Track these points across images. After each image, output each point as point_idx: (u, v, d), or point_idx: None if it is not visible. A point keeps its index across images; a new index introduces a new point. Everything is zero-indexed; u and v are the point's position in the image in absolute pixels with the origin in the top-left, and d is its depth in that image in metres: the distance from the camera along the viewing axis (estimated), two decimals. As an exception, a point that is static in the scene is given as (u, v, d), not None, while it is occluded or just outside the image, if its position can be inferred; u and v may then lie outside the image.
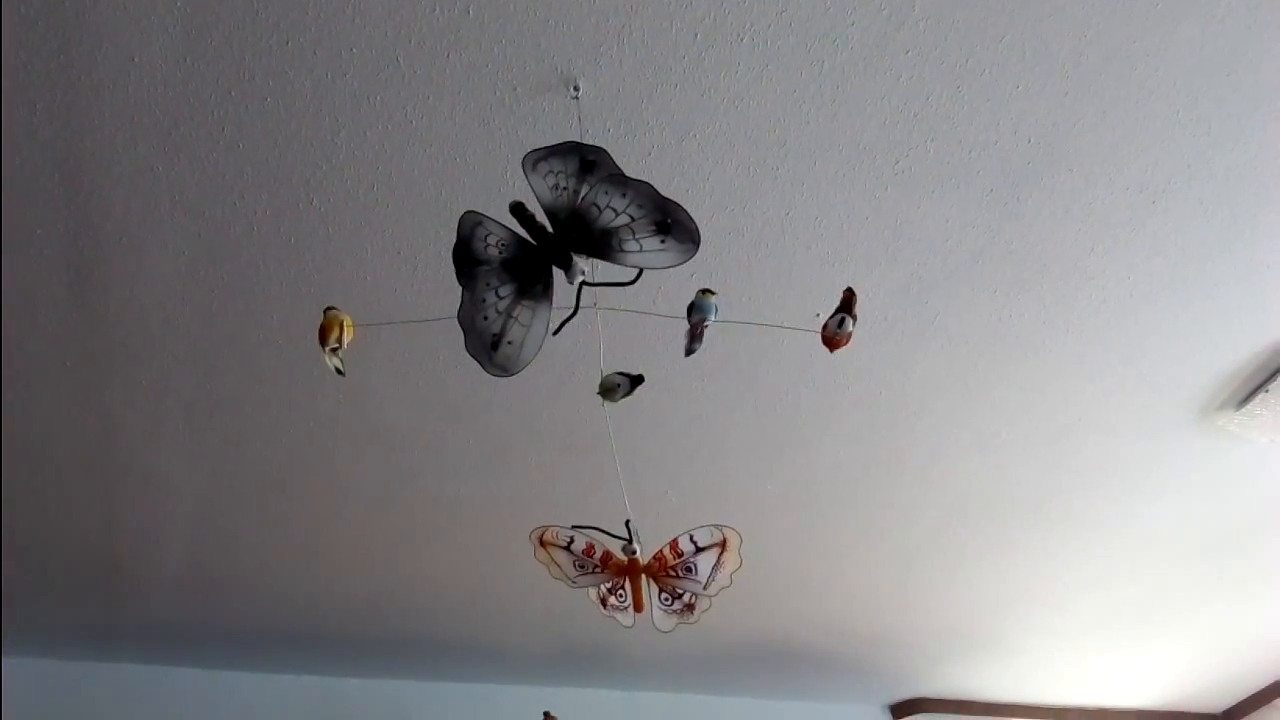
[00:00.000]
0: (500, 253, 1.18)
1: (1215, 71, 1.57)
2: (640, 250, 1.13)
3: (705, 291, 1.26)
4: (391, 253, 1.75)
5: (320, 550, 2.50)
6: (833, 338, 1.28)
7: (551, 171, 1.14)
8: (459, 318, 1.20)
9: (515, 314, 1.18)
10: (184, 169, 1.59)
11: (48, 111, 1.50)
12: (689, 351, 1.30)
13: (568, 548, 1.56)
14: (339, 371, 1.24)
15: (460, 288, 1.21)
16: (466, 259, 1.19)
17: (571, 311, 1.20)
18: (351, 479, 2.27)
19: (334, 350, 1.23)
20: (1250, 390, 2.22)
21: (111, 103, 1.50)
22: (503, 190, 1.65)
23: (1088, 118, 1.62)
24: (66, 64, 1.44)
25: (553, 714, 2.83)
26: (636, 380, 1.31)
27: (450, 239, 1.71)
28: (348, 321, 1.25)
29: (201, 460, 2.18)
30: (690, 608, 1.61)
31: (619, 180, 1.12)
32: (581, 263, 1.16)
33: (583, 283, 1.17)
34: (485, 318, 1.18)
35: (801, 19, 1.44)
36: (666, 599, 1.60)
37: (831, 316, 1.28)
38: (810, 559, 2.70)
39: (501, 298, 1.18)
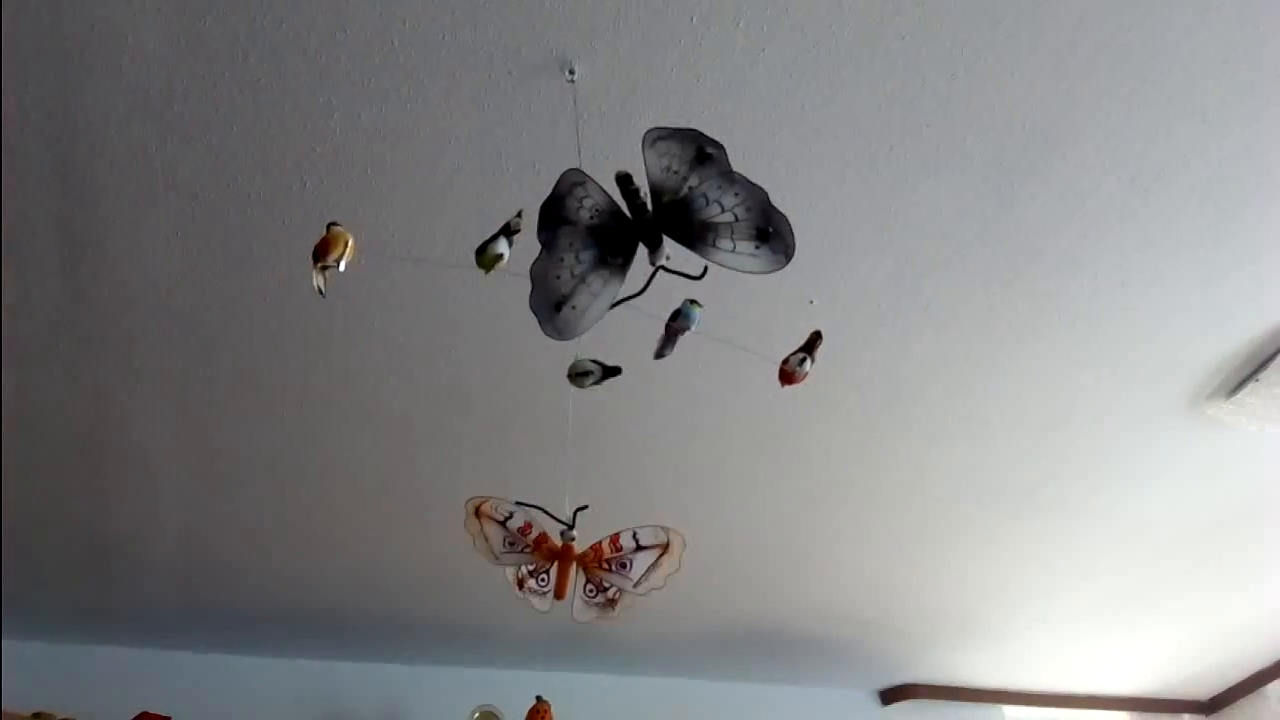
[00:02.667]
0: (591, 217, 1.16)
1: (1211, 60, 1.57)
2: (732, 251, 1.14)
3: (693, 302, 1.28)
4: (386, 235, 1.75)
5: (315, 534, 2.50)
6: (792, 373, 1.33)
7: (668, 153, 1.13)
8: (531, 271, 1.18)
9: (588, 280, 1.17)
10: (177, 150, 1.59)
11: (39, 91, 1.49)
12: (659, 355, 1.32)
13: (503, 523, 1.55)
14: (321, 292, 1.19)
15: (539, 242, 1.19)
16: (554, 215, 1.17)
17: (639, 290, 1.19)
18: (347, 463, 2.27)
19: (325, 268, 1.18)
20: (1241, 379, 2.22)
21: (104, 83, 1.49)
22: (497, 174, 1.65)
23: (1083, 105, 1.62)
24: (58, 43, 1.43)
25: (545, 698, 2.84)
26: (611, 371, 1.31)
27: (444, 223, 1.73)
28: (353, 242, 1.20)
29: (194, 443, 2.18)
30: (613, 603, 1.60)
31: (734, 179, 1.12)
32: (667, 247, 1.15)
33: (660, 267, 1.16)
34: (558, 277, 1.16)
35: (798, 3, 1.44)
36: (591, 590, 1.59)
37: (794, 354, 1.33)
38: (802, 544, 2.71)
39: (580, 261, 1.16)
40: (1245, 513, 2.73)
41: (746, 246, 1.14)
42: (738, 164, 1.64)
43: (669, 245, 1.16)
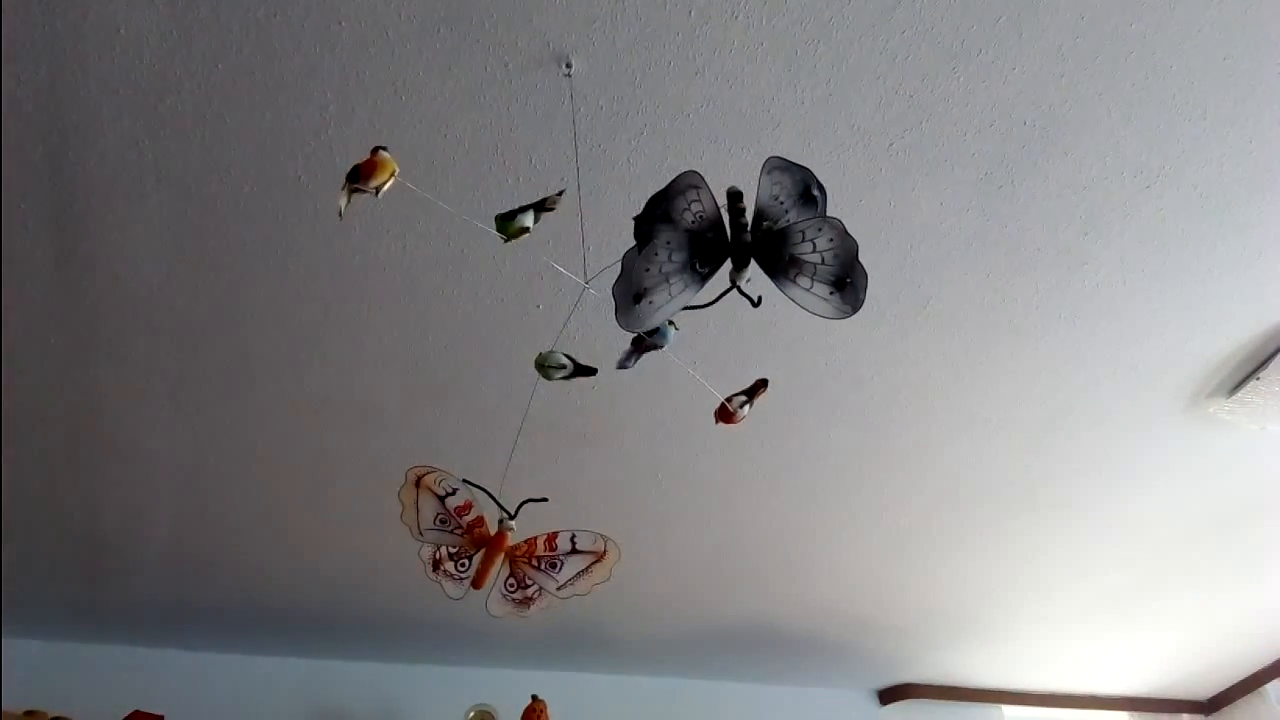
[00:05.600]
0: (693, 222, 1.18)
1: (1212, 56, 1.56)
2: (808, 290, 1.17)
3: (670, 322, 1.29)
4: (380, 230, 1.74)
5: (307, 531, 2.49)
6: (732, 414, 1.38)
7: (779, 183, 1.17)
8: (623, 258, 1.20)
9: (671, 281, 1.19)
10: (170, 143, 1.57)
11: (31, 84, 1.48)
12: (621, 366, 1.34)
13: (443, 499, 1.53)
14: (340, 214, 1.17)
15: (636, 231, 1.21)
16: (660, 211, 1.19)
17: (708, 302, 1.22)
18: (338, 459, 2.26)
19: (357, 191, 1.15)
20: (1241, 377, 2.22)
21: (96, 75, 1.47)
22: (493, 168, 1.64)
23: (1083, 101, 1.61)
24: (51, 35, 1.42)
25: (541, 697, 2.83)
26: (584, 370, 1.32)
27: (438, 217, 1.71)
28: (397, 172, 1.17)
29: (186, 439, 2.16)
30: (529, 601, 1.59)
31: (832, 224, 1.16)
32: (750, 269, 1.19)
33: (736, 286, 1.20)
34: (646, 270, 1.18)
35: (797, -3, 1.43)
36: (512, 585, 1.58)
37: (737, 395, 1.38)
38: (800, 543, 2.70)
39: (671, 261, 1.18)
40: (1245, 512, 2.73)
41: (822, 290, 1.17)
42: (733, 160, 1.65)
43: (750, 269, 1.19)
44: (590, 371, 1.32)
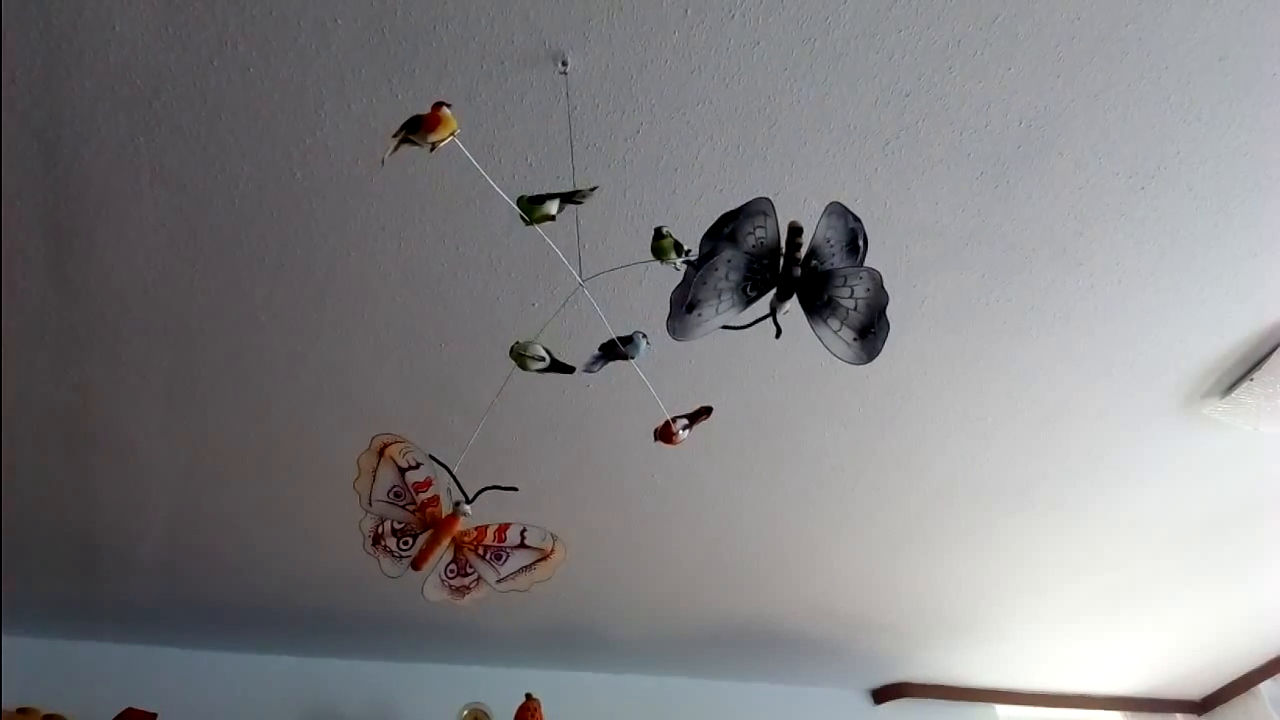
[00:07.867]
0: (754, 246, 1.23)
1: (1208, 56, 1.56)
2: (834, 331, 1.25)
3: (644, 335, 1.35)
4: (376, 228, 1.74)
5: (303, 529, 2.48)
6: (673, 434, 1.44)
7: (833, 228, 1.22)
8: (686, 270, 1.25)
9: (722, 297, 1.24)
10: (165, 140, 1.57)
11: (26, 80, 1.48)
12: (588, 369, 1.37)
13: (404, 472, 1.51)
14: (383, 161, 1.14)
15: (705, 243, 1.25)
16: (728, 230, 1.24)
17: (744, 325, 1.27)
18: (334, 457, 2.25)
19: (407, 142, 1.11)
20: (1235, 378, 2.22)
21: (92, 72, 1.47)
22: (489, 166, 1.63)
23: (1079, 101, 1.61)
24: (46, 32, 1.42)
25: (535, 696, 2.83)
26: (561, 367, 1.32)
27: (434, 215, 1.71)
28: (458, 131, 1.14)
29: (181, 436, 2.16)
30: (465, 590, 1.57)
31: (873, 275, 1.23)
32: (789, 302, 1.25)
33: (773, 314, 1.25)
34: (704, 283, 1.23)
35: (793, -4, 1.43)
36: (452, 571, 1.55)
37: (680, 417, 1.44)
38: (795, 542, 2.70)
39: (726, 279, 1.23)
40: (1239, 512, 2.73)
41: (848, 334, 1.24)
42: (731, 158, 1.65)
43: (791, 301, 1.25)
44: (568, 369, 1.33)
